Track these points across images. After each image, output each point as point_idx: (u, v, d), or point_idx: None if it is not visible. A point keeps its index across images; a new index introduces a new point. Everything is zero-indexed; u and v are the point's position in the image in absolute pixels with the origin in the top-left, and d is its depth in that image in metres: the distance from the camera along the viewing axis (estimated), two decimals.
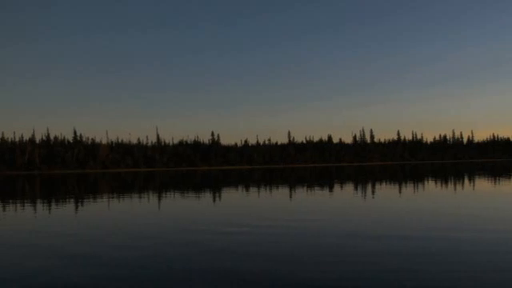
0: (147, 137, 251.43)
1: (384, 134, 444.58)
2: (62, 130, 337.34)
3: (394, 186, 30.86)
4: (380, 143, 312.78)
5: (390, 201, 18.95)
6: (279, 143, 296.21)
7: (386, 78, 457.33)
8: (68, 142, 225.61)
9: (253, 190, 30.34)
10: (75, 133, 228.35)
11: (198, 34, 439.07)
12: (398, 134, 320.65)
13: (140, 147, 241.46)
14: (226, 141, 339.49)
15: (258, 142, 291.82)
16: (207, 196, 25.16)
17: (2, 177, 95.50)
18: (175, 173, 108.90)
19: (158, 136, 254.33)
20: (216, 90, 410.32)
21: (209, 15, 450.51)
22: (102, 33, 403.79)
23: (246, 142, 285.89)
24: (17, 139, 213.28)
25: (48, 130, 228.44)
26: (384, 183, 34.58)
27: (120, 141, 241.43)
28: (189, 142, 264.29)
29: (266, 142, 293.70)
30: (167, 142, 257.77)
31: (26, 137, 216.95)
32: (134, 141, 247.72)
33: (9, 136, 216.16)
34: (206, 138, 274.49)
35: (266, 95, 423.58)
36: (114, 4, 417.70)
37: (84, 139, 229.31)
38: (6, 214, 17.07)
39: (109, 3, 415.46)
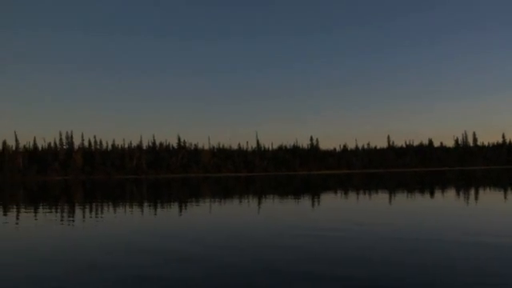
0: (247, 142, 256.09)
1: (488, 137, 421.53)
2: (167, 137, 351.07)
3: (497, 191, 29.49)
4: (483, 146, 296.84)
5: (492, 205, 18.23)
6: (378, 147, 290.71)
7: (487, 79, 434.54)
8: (172, 147, 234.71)
9: (351, 194, 30.20)
10: (179, 139, 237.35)
11: (298, 41, 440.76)
12: (503, 136, 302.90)
13: (240, 152, 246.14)
14: (324, 145, 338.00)
15: (356, 146, 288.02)
16: (306, 200, 25.41)
17: (113, 181, 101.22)
18: (274, 177, 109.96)
19: (257, 141, 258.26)
20: (315, 95, 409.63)
21: (314, 21, 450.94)
22: (208, 39, 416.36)
23: (344, 146, 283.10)
24: (126, 146, 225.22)
25: (154, 137, 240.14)
26: (487, 189, 33.11)
27: (221, 146, 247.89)
28: (288, 146, 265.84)
29: (365, 147, 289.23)
30: (267, 146, 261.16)
31: (134, 143, 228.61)
32: (235, 146, 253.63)
33: (119, 143, 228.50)
34: (304, 143, 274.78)
35: (364, 99, 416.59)
36: (220, 10, 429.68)
37: (187, 145, 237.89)
38: (116, 215, 18.34)
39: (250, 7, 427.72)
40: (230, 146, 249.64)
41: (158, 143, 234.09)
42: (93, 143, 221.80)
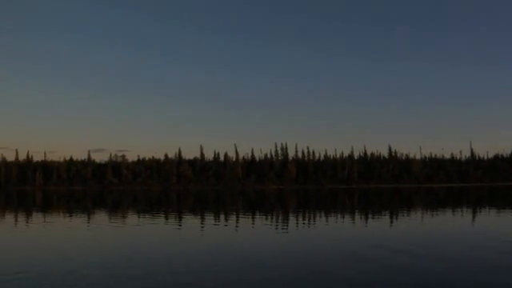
0: (460, 151, 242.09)
1: None
2: (378, 147, 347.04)
3: None
4: None
5: None
6: None
7: None
8: (383, 157, 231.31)
9: None
10: (390, 149, 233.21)
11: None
12: None
13: (453, 162, 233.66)
14: None
15: None
16: None
17: (325, 190, 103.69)
18: (490, 188, 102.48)
19: (471, 150, 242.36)
20: None
21: None
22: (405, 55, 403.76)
23: None
24: (337, 156, 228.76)
25: (365, 147, 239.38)
26: None
27: (433, 156, 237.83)
28: (505, 155, 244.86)
29: None
30: (481, 156, 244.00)
31: (346, 153, 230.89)
32: (448, 156, 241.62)
33: (331, 153, 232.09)
34: None
35: None
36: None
37: (398, 155, 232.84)
38: (328, 222, 19.25)
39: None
40: (443, 156, 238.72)
41: (369, 153, 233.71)
42: (306, 154, 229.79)
